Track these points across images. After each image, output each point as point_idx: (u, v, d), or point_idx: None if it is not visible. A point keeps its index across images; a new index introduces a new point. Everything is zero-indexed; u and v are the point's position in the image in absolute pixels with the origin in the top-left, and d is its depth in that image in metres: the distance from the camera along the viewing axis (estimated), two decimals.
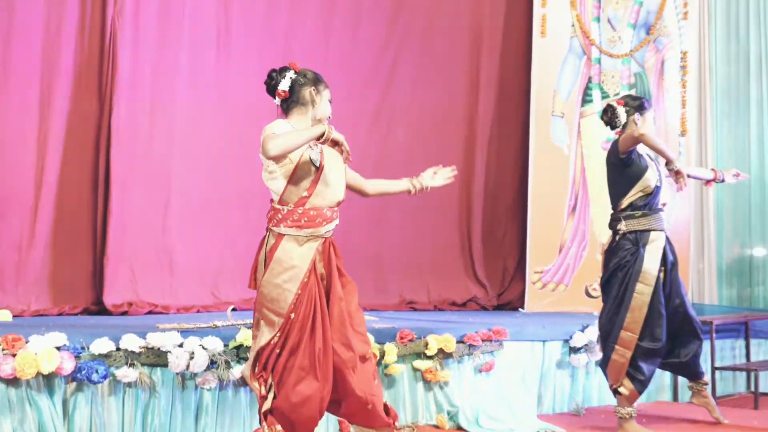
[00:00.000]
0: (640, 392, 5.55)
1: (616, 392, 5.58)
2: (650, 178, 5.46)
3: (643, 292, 5.43)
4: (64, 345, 4.43)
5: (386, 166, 8.09)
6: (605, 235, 8.14)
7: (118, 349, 4.60)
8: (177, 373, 4.77)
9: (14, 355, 4.25)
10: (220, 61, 7.31)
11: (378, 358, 5.37)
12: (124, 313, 6.54)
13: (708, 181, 6.00)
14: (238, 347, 4.94)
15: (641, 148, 5.52)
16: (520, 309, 8.51)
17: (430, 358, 5.66)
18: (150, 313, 6.65)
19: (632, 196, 5.50)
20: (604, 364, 5.60)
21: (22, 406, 4.31)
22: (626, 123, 5.54)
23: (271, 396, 3.97)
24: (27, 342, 4.33)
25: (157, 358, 4.71)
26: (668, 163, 5.44)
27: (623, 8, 8.55)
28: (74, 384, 4.47)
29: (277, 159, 3.91)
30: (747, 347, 7.77)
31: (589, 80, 8.54)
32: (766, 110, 8.57)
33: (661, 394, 7.01)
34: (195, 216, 7.11)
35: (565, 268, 8.41)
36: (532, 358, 6.31)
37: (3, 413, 4.26)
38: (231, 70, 7.33)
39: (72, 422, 4.47)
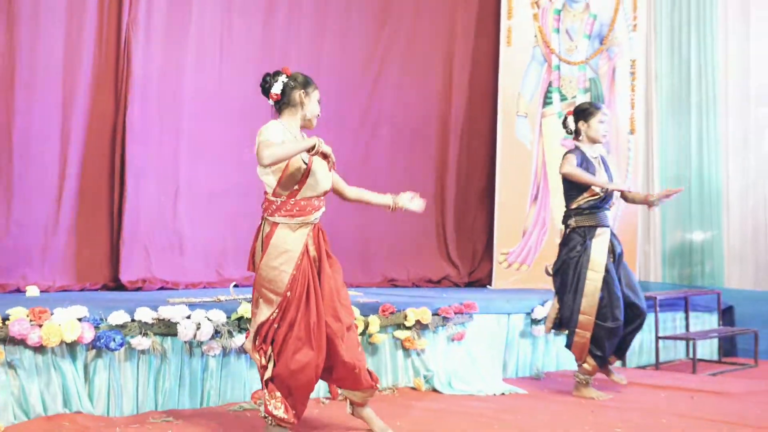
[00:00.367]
0: (601, 366, 5.57)
1: (580, 366, 5.60)
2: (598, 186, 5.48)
3: (594, 279, 5.44)
4: (85, 317, 4.43)
5: (372, 161, 8.12)
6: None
7: (132, 320, 4.60)
8: (185, 342, 4.78)
9: (41, 326, 4.24)
10: (223, 65, 7.28)
11: (363, 328, 5.39)
12: (139, 289, 6.52)
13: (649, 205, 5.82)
14: (239, 319, 4.95)
15: (591, 154, 5.54)
16: (488, 286, 8.53)
17: (408, 328, 5.67)
18: (161, 288, 6.64)
19: (581, 199, 5.52)
20: (569, 344, 5.61)
21: (48, 370, 4.31)
22: (576, 129, 5.60)
23: (271, 365, 3.99)
24: (52, 314, 4.32)
25: (167, 329, 4.71)
26: (602, 189, 5.44)
27: (580, 21, 8.56)
28: (94, 351, 4.47)
29: (270, 166, 3.91)
30: (686, 319, 7.84)
31: (550, 85, 8.55)
32: (705, 112, 8.59)
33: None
34: (202, 203, 7.09)
35: (528, 250, 8.44)
36: (498, 328, 6.33)
37: (31, 377, 4.25)
38: (233, 73, 7.30)
39: (92, 385, 4.48)
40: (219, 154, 7.17)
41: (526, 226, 8.43)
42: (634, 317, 5.55)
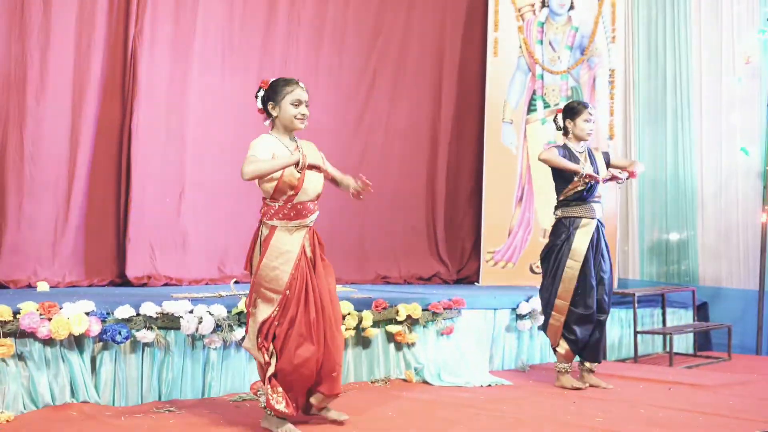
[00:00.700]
0: (575, 352, 5.55)
1: (555, 351, 5.60)
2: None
3: (573, 267, 5.44)
4: (92, 311, 4.40)
5: (365, 165, 8.08)
6: (547, 222, 8.26)
7: (138, 314, 4.58)
8: (188, 335, 4.75)
9: (50, 319, 4.21)
10: (225, 74, 7.25)
11: (356, 323, 5.36)
12: (144, 285, 6.48)
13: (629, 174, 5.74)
14: (239, 313, 4.92)
15: (577, 149, 5.54)
16: (475, 283, 8.51)
17: (400, 323, 5.65)
18: (166, 284, 6.60)
19: (568, 191, 5.51)
20: (544, 327, 5.63)
21: (57, 362, 4.28)
22: (564, 126, 5.60)
23: (273, 361, 3.95)
24: (61, 308, 4.29)
25: (171, 322, 4.68)
26: (575, 174, 5.43)
27: (562, 33, 8.55)
28: (101, 344, 4.44)
29: (249, 181, 3.86)
30: (663, 315, 7.84)
31: (534, 93, 8.54)
32: (680, 117, 8.59)
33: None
34: (204, 203, 7.05)
35: (513, 249, 8.42)
36: (485, 323, 6.31)
37: (40, 368, 4.22)
38: (234, 80, 7.26)
39: (99, 376, 4.45)
40: (221, 157, 7.14)
41: (511, 226, 8.42)
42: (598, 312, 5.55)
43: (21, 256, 6.05)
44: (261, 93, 4.09)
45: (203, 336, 4.79)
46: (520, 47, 8.58)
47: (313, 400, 4.14)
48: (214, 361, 4.87)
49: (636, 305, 7.22)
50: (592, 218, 5.51)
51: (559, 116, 5.67)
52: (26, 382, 4.18)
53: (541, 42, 8.56)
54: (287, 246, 3.96)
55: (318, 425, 4.18)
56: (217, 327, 4.81)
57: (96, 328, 4.34)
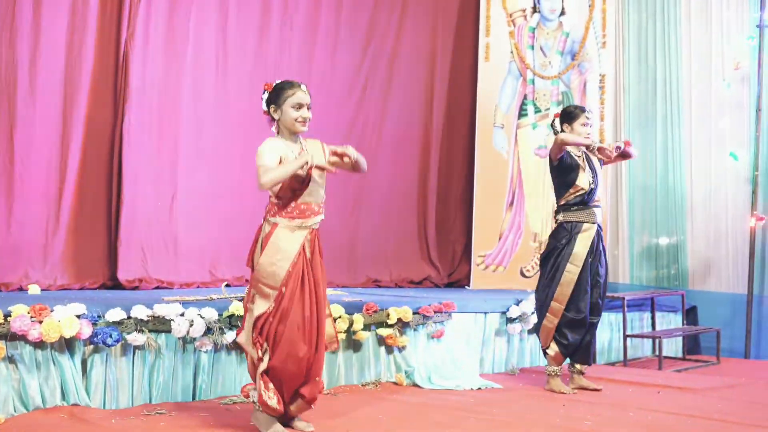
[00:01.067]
0: (565, 355, 5.57)
1: (545, 353, 5.61)
2: (583, 182, 5.48)
3: (571, 271, 5.45)
4: (83, 314, 4.38)
5: None
6: (538, 226, 8.29)
7: (129, 317, 4.56)
8: (179, 338, 4.74)
9: (41, 322, 4.20)
10: (218, 77, 7.25)
11: (347, 326, 5.37)
12: (135, 288, 6.47)
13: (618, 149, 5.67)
14: (231, 316, 4.92)
15: (575, 152, 5.54)
16: (466, 286, 8.53)
17: (390, 326, 5.65)
18: (157, 288, 6.59)
19: (568, 195, 5.51)
20: (537, 328, 5.64)
21: (48, 365, 4.26)
22: (562, 130, 5.61)
23: (266, 358, 3.94)
24: (52, 311, 4.28)
25: (162, 325, 4.67)
26: (588, 148, 5.50)
27: (553, 38, 8.58)
28: (91, 347, 4.43)
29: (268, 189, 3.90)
30: (653, 318, 7.86)
31: (525, 97, 8.57)
32: (669, 123, 8.62)
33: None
34: (196, 207, 7.04)
35: (504, 253, 8.44)
36: (475, 326, 6.32)
37: (31, 371, 4.21)
38: (227, 84, 7.27)
39: (89, 379, 4.43)
40: (213, 161, 7.15)
41: (502, 229, 8.44)
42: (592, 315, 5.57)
43: (12, 259, 6.04)
44: (265, 96, 4.07)
45: (194, 339, 4.78)
46: (512, 52, 8.60)
47: (293, 407, 4.11)
48: (205, 364, 4.86)
49: (626, 309, 7.23)
50: (593, 223, 5.53)
51: (557, 121, 5.65)
52: (17, 384, 4.17)
53: (532, 47, 8.59)
54: (287, 244, 3.97)
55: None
56: (208, 330, 4.80)
57: (87, 330, 4.33)
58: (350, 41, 8.28)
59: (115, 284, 6.49)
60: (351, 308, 5.50)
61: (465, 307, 6.24)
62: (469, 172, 8.80)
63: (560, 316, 5.47)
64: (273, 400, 3.94)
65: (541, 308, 5.59)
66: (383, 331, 5.62)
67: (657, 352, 7.27)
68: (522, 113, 8.55)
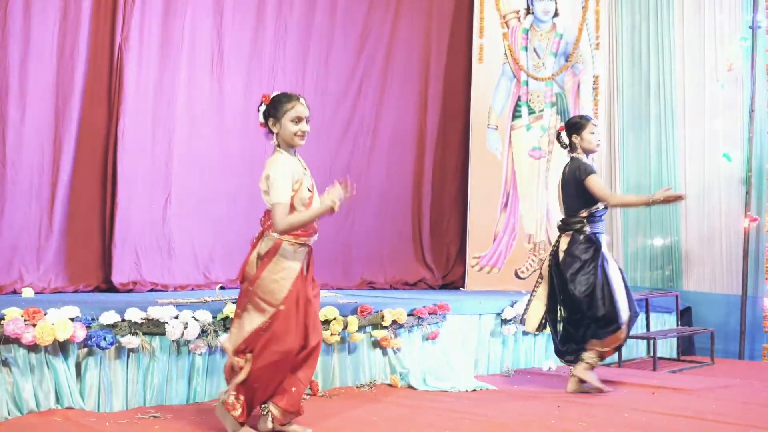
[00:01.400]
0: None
1: (602, 358, 5.61)
2: None
3: (618, 280, 5.46)
4: (77, 317, 4.38)
5: (353, 169, 8.11)
6: (532, 228, 8.29)
7: (123, 320, 4.56)
8: (173, 341, 4.74)
9: (35, 325, 4.19)
10: (213, 81, 7.24)
11: (342, 328, 5.36)
12: (129, 291, 6.46)
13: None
14: (225, 319, 4.92)
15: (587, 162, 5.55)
16: (461, 288, 8.53)
17: (385, 328, 5.65)
18: (151, 290, 6.57)
19: (595, 207, 5.47)
20: (606, 336, 5.48)
21: (41, 368, 4.26)
22: (571, 143, 5.58)
23: (247, 368, 3.92)
24: (46, 314, 4.28)
25: (156, 328, 4.67)
26: (648, 204, 5.34)
27: (546, 40, 8.59)
28: (86, 349, 4.43)
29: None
30: (647, 319, 7.84)
31: (519, 99, 8.58)
32: (663, 124, 8.64)
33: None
34: (190, 209, 7.03)
35: (498, 255, 8.44)
36: (470, 328, 6.32)
37: (25, 374, 4.20)
38: (222, 87, 7.27)
39: (83, 382, 4.43)
40: (207, 163, 7.14)
41: (496, 231, 8.44)
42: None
43: (5, 262, 6.02)
44: (262, 108, 4.02)
45: (188, 341, 4.77)
46: (505, 54, 8.62)
47: (274, 410, 4.05)
48: (200, 367, 4.86)
49: None
50: (604, 232, 5.58)
51: (563, 134, 5.61)
52: (11, 388, 4.16)
53: (526, 49, 8.60)
54: (291, 262, 3.93)
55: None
56: (203, 332, 4.80)
57: (81, 333, 4.33)
58: (344, 43, 8.29)
59: (109, 287, 6.48)
60: (346, 310, 5.50)
61: (460, 308, 6.25)
62: (463, 174, 8.80)
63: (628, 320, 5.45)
64: (238, 411, 3.94)
65: (613, 320, 5.37)
66: (378, 333, 5.62)
67: (651, 353, 7.28)
68: (516, 115, 8.56)
